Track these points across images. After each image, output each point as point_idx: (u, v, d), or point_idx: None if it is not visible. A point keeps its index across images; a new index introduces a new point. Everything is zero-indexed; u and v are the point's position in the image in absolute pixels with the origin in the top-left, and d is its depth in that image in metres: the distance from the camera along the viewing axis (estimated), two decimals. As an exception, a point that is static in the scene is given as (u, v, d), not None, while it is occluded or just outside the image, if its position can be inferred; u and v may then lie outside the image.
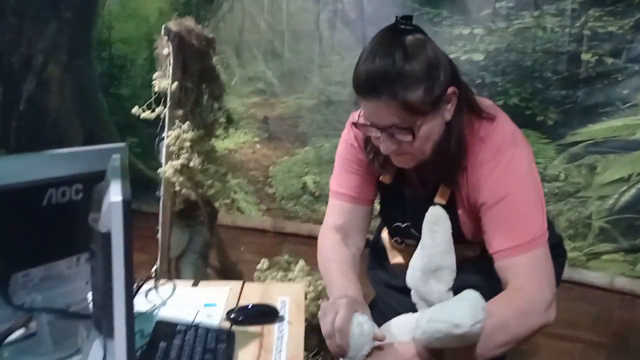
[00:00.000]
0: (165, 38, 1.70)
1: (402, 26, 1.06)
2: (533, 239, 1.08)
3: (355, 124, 1.14)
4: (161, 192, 1.83)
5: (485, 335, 0.96)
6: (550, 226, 1.24)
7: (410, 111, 1.04)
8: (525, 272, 1.06)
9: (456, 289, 1.06)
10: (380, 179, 1.29)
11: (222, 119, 1.87)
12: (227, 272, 1.99)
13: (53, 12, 4.03)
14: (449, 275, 1.07)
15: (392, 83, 1.01)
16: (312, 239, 3.62)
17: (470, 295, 0.98)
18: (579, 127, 2.68)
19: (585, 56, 2.62)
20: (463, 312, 0.94)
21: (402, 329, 1.09)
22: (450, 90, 1.08)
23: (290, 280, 1.85)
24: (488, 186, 1.11)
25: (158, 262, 1.86)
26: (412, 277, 1.09)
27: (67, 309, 1.14)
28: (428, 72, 1.03)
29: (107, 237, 0.90)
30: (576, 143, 2.70)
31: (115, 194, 0.91)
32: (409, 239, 1.33)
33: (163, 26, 1.67)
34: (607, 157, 2.65)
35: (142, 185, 3.81)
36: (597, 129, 2.65)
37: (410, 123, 1.05)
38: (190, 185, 1.82)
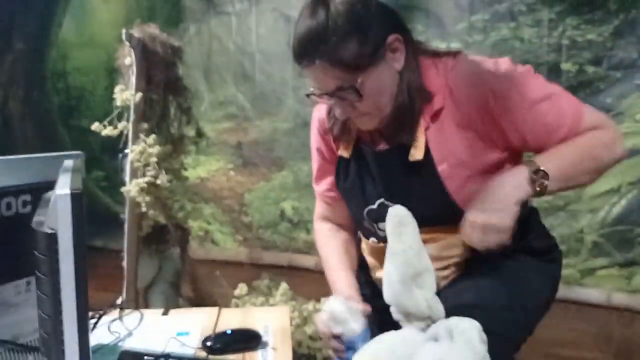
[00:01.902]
0: (127, 45, 1.56)
1: None
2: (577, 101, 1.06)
3: (308, 95, 1.09)
4: (126, 214, 1.65)
5: (570, 155, 1.01)
6: (544, 227, 1.26)
7: (347, 69, 0.99)
8: (597, 119, 1.06)
9: (452, 310, 0.96)
10: (339, 152, 1.21)
11: (192, 133, 1.73)
12: (201, 301, 1.81)
13: (7, 44, 3.88)
14: (430, 278, 0.96)
15: (319, 45, 0.98)
16: (292, 269, 3.45)
17: (465, 331, 0.85)
18: (564, 138, 2.61)
19: (565, 66, 2.57)
20: (459, 357, 0.83)
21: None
22: (392, 38, 1.02)
23: (272, 305, 1.68)
24: (499, 99, 1.03)
25: (123, 292, 1.67)
26: (392, 292, 0.96)
27: (16, 340, 1.01)
28: (356, 25, 0.99)
29: (52, 239, 0.74)
30: (562, 155, 2.62)
31: (62, 186, 0.76)
32: (384, 223, 1.20)
33: (124, 31, 1.53)
34: (595, 168, 2.57)
35: (108, 220, 3.65)
36: (582, 140, 2.58)
37: (351, 81, 1.00)
38: (159, 207, 1.65)
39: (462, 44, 2.72)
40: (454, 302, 1.01)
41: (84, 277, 0.77)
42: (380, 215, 1.17)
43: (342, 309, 1.08)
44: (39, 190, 0.99)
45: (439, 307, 0.96)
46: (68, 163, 0.99)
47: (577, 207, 2.62)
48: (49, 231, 0.75)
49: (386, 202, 1.16)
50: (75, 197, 0.73)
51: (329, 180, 1.30)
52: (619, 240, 2.56)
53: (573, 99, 1.07)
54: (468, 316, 0.90)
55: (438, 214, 1.12)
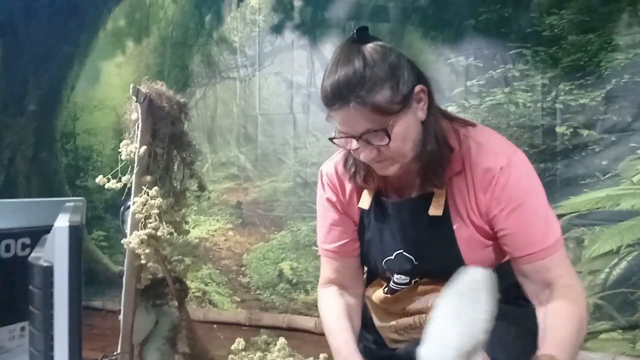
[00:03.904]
0: (134, 99, 1.62)
1: (359, 36, 1.09)
2: (561, 236, 1.12)
3: (331, 139, 1.13)
4: (125, 266, 1.65)
5: (576, 340, 1.04)
6: None
7: (380, 112, 1.04)
8: (567, 269, 1.12)
9: None
10: (359, 205, 1.23)
11: (194, 187, 1.76)
12: (197, 358, 1.78)
13: (19, 106, 4.01)
14: (483, 355, 0.90)
15: (356, 89, 1.03)
16: (291, 330, 3.39)
17: None
18: (562, 199, 2.63)
19: (560, 129, 2.62)
20: None
21: None
22: (418, 88, 1.09)
23: (269, 361, 1.65)
24: (505, 192, 1.10)
25: (119, 347, 1.65)
26: (441, 357, 0.86)
27: (7, 386, 1.00)
28: (390, 73, 1.05)
29: (48, 272, 0.75)
30: (560, 216, 2.62)
31: (62, 220, 0.78)
32: (399, 275, 1.23)
33: (131, 86, 1.59)
34: (594, 230, 2.58)
35: (107, 280, 3.63)
36: (580, 201, 2.60)
37: (382, 124, 1.05)
38: (158, 259, 1.66)
39: (459, 108, 2.79)
40: None
41: (77, 312, 0.76)
42: (396, 266, 1.22)
43: None
44: (39, 233, 0.99)
45: None
46: (69, 204, 1.01)
47: (577, 269, 2.60)
48: (45, 264, 0.76)
49: (404, 253, 1.20)
50: (73, 230, 0.75)
51: (339, 234, 1.29)
52: (621, 303, 2.52)
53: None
54: None
55: (447, 268, 1.13)
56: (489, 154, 1.11)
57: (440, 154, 1.12)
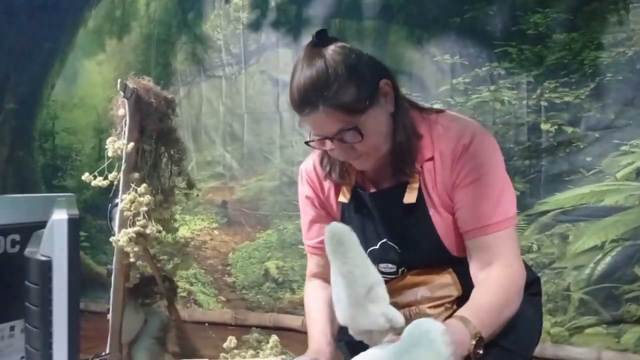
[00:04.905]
0: (121, 95, 1.59)
1: (319, 39, 1.11)
2: (512, 216, 1.12)
3: (307, 143, 1.16)
4: (113, 264, 1.62)
5: (496, 312, 1.03)
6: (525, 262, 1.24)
7: (349, 112, 1.06)
8: (510, 250, 1.11)
9: None
10: (339, 199, 1.25)
11: (183, 184, 1.73)
12: (188, 357, 1.75)
13: (-2, 104, 3.95)
14: (382, 290, 0.94)
15: (322, 92, 1.05)
16: (278, 329, 3.37)
17: (429, 332, 0.83)
18: (546, 196, 2.66)
19: (544, 126, 2.65)
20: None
21: None
22: (383, 82, 1.12)
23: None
24: (465, 167, 1.12)
25: (107, 347, 1.62)
26: (346, 315, 0.94)
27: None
28: (353, 72, 1.07)
29: (46, 266, 0.73)
30: (545, 212, 2.65)
31: (59, 213, 0.76)
32: (385, 264, 1.24)
33: (119, 81, 1.56)
34: (578, 226, 2.61)
35: (90, 282, 3.58)
36: (564, 197, 2.63)
37: (353, 123, 1.07)
38: (147, 257, 1.63)
39: (444, 106, 2.80)
40: None
41: (77, 307, 0.75)
42: (382, 256, 1.22)
43: None
44: (29, 230, 0.97)
45: (396, 316, 0.94)
46: (61, 199, 0.98)
47: (562, 265, 2.63)
48: (43, 258, 0.74)
49: (389, 242, 1.21)
50: (72, 222, 0.73)
51: (318, 230, 1.31)
52: (605, 297, 2.55)
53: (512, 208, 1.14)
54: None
55: (432, 256, 1.16)
56: (456, 134, 1.14)
57: (409, 144, 1.14)
